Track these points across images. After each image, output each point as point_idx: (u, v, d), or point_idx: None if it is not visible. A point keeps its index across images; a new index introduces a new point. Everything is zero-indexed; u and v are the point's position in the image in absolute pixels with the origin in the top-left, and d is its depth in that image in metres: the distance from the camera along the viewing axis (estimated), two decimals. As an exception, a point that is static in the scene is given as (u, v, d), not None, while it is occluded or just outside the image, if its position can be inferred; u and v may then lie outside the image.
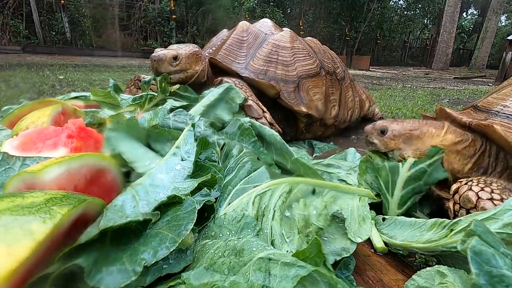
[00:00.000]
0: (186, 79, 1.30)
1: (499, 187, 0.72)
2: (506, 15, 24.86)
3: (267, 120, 1.24)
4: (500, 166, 0.85)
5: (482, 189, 0.71)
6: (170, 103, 1.09)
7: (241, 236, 0.50)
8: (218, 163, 0.76)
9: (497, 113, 0.87)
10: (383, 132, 0.87)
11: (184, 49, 1.30)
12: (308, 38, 1.75)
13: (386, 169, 0.81)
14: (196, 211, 0.49)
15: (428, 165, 0.79)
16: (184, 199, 0.52)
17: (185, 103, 1.15)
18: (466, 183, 0.75)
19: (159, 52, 1.25)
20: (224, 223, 0.54)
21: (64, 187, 0.53)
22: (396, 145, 0.85)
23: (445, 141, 0.85)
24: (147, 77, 1.54)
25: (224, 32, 1.66)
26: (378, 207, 0.82)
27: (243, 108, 1.23)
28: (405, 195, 0.78)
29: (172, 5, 11.55)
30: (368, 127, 0.91)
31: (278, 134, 0.92)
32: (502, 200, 0.68)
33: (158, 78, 1.21)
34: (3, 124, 0.95)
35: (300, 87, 1.42)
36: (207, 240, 0.51)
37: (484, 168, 0.86)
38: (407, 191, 0.78)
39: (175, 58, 1.24)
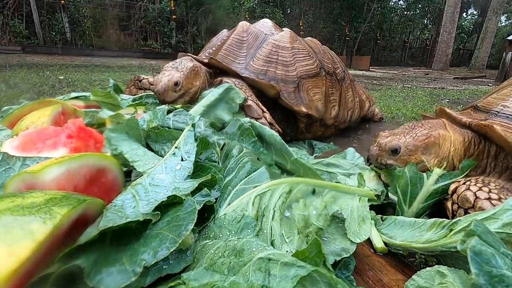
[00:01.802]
0: (192, 98, 1.30)
1: (497, 186, 0.72)
2: (506, 15, 24.87)
3: (267, 120, 1.24)
4: (500, 166, 0.85)
5: (480, 189, 0.71)
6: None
7: (241, 237, 0.50)
8: (218, 163, 0.76)
9: (497, 113, 0.87)
10: (395, 151, 0.81)
11: (180, 69, 1.28)
12: (308, 38, 1.75)
13: (406, 178, 0.76)
14: (197, 212, 0.49)
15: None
16: (184, 199, 0.52)
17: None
18: (464, 183, 0.75)
19: (160, 84, 1.21)
20: (224, 223, 0.54)
21: (64, 187, 0.53)
22: (417, 159, 0.80)
23: (456, 142, 0.84)
24: (147, 77, 1.55)
25: (224, 32, 1.66)
26: (378, 207, 0.82)
27: (243, 108, 1.23)
28: (425, 207, 0.76)
29: (172, 5, 11.55)
30: (374, 151, 0.84)
31: (278, 134, 0.92)
32: (500, 199, 0.68)
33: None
34: (3, 124, 0.95)
35: (300, 87, 1.42)
36: (207, 241, 0.51)
37: (482, 167, 0.86)
38: (429, 203, 0.76)
39: (176, 84, 1.23)
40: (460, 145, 0.84)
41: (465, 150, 0.85)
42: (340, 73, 1.74)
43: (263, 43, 1.46)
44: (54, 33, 9.76)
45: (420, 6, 19.53)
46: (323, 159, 1.08)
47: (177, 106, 1.21)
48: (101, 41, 10.83)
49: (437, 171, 0.77)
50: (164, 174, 0.64)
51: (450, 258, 0.57)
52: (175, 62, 1.34)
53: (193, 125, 0.86)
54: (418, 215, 0.77)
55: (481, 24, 15.63)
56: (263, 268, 0.39)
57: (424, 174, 0.77)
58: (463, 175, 0.78)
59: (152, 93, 1.30)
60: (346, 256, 0.54)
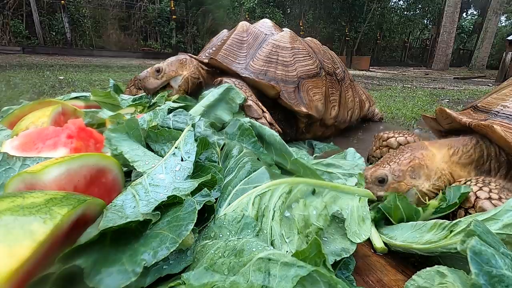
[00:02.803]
0: (185, 89, 1.30)
1: (497, 186, 0.72)
2: (506, 15, 24.85)
3: (266, 120, 1.24)
4: (505, 168, 0.84)
5: (480, 189, 0.71)
6: (168, 104, 1.09)
7: (241, 237, 0.50)
8: (218, 164, 0.76)
9: (497, 113, 0.87)
10: (382, 181, 0.78)
11: (167, 60, 1.31)
12: (308, 38, 1.75)
13: (401, 212, 0.72)
14: (197, 212, 0.49)
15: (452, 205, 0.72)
16: (184, 199, 0.52)
17: (183, 104, 1.15)
18: (464, 183, 0.75)
19: (143, 71, 1.27)
20: (224, 223, 0.54)
21: (64, 187, 0.53)
22: (408, 184, 0.77)
23: (445, 157, 0.82)
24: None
25: (224, 33, 1.66)
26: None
27: (243, 109, 1.23)
28: None
29: (172, 6, 11.56)
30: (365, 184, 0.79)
31: (278, 134, 0.92)
32: (500, 199, 0.68)
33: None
34: (3, 125, 0.95)
35: (300, 88, 1.42)
36: (207, 241, 0.51)
37: (487, 170, 0.85)
38: None
39: (158, 70, 1.25)
40: (450, 159, 0.81)
41: (457, 162, 0.82)
42: (340, 73, 1.74)
43: (263, 43, 1.46)
44: (54, 33, 9.77)
45: (420, 6, 19.53)
46: (323, 159, 1.08)
47: (173, 98, 1.22)
48: (101, 41, 10.84)
49: (433, 204, 0.72)
50: (164, 174, 0.64)
51: (450, 259, 0.57)
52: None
53: (193, 125, 0.86)
54: None
55: (481, 24, 15.61)
56: (263, 268, 0.39)
57: (420, 208, 0.73)
58: (459, 204, 0.72)
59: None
60: (346, 256, 0.54)
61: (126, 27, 11.50)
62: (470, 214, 0.69)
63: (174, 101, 1.21)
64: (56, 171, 0.52)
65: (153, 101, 1.22)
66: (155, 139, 0.84)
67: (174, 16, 11.74)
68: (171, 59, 1.32)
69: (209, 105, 1.13)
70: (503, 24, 25.32)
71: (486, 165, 0.85)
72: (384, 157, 0.87)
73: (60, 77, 3.56)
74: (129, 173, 0.73)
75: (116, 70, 5.28)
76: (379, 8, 16.49)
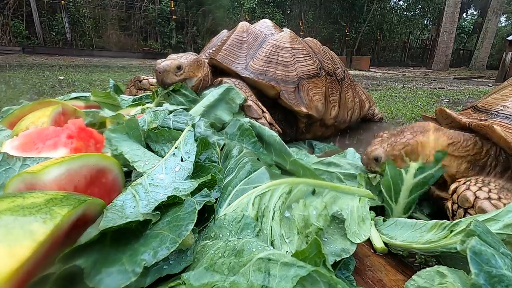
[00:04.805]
0: (193, 88, 1.31)
1: (496, 186, 0.72)
2: (506, 16, 24.85)
3: (266, 121, 1.24)
4: (501, 166, 0.85)
5: (480, 189, 0.71)
6: (166, 107, 1.09)
7: (241, 237, 0.50)
8: (218, 164, 0.76)
9: (496, 113, 0.87)
10: (377, 160, 0.86)
11: (185, 57, 1.30)
12: (308, 38, 1.75)
13: (387, 176, 0.79)
14: (197, 212, 0.49)
15: (436, 171, 0.79)
16: (184, 199, 0.52)
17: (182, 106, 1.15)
18: (464, 183, 0.75)
19: (162, 63, 1.24)
20: (224, 223, 0.54)
21: (65, 187, 0.53)
22: (401, 163, 0.83)
23: (439, 146, 0.85)
24: (147, 77, 1.55)
25: (224, 33, 1.67)
26: (380, 209, 0.82)
27: (243, 109, 1.23)
28: (411, 201, 0.78)
29: (172, 6, 11.57)
30: (363, 159, 0.91)
31: (277, 134, 0.92)
32: (499, 199, 0.68)
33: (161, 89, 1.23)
34: (3, 125, 0.95)
35: (300, 88, 1.42)
36: (207, 241, 0.51)
37: (480, 167, 0.86)
38: (414, 197, 0.78)
39: (179, 67, 1.25)
40: (444, 148, 0.85)
41: (452, 155, 0.85)
42: (340, 74, 1.74)
43: (263, 44, 1.46)
44: (54, 34, 9.78)
45: (420, 6, 19.54)
46: (323, 158, 1.08)
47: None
48: (101, 42, 10.85)
49: (413, 165, 0.78)
50: (164, 175, 0.64)
51: (450, 258, 0.57)
52: (179, 54, 1.36)
53: (193, 126, 0.86)
54: (406, 209, 0.78)
55: (481, 24, 15.62)
56: (263, 268, 0.39)
57: (402, 169, 0.79)
58: (438, 165, 0.79)
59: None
60: (346, 256, 0.54)
61: (126, 27, 11.51)
62: (470, 214, 0.69)
63: (174, 89, 1.22)
64: (56, 171, 0.52)
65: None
66: (155, 139, 0.84)
67: (174, 16, 11.75)
68: (189, 57, 1.31)
69: (209, 105, 1.13)
70: (503, 24, 25.34)
71: (482, 162, 0.86)
72: (389, 134, 0.92)
73: (60, 77, 3.56)
74: (129, 173, 0.73)
75: (116, 70, 5.29)
76: (379, 8, 16.51)
